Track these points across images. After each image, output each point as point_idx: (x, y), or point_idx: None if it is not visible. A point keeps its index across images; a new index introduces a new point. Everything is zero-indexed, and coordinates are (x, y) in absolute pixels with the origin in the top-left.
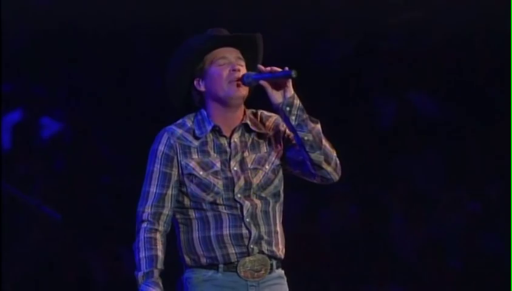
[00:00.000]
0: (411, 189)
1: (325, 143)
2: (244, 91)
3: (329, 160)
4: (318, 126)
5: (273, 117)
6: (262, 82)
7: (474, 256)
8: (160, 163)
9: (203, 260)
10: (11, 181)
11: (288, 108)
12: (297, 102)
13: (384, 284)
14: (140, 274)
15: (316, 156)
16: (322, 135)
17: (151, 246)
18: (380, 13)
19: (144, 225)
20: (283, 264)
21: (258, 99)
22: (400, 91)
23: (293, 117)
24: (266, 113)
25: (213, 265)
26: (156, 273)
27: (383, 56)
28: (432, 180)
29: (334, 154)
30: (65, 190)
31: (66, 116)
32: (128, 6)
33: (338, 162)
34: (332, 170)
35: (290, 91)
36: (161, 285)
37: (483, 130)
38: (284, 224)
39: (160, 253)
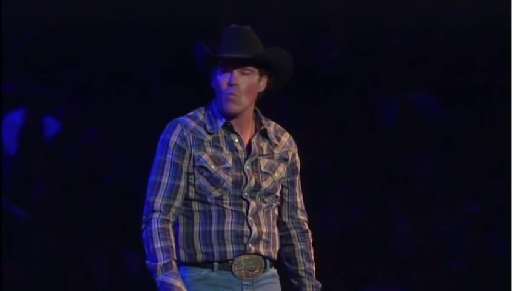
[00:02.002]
0: (413, 189)
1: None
2: (238, 107)
3: None
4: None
5: (287, 135)
6: None
7: (475, 256)
8: (172, 154)
9: (199, 257)
10: (13, 181)
11: None
12: None
13: (386, 284)
14: (159, 265)
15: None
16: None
17: (166, 237)
18: (381, 12)
19: (156, 215)
20: (277, 263)
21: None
22: (401, 90)
23: None
24: (279, 126)
25: (208, 263)
26: (175, 264)
27: (385, 55)
28: (434, 180)
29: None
30: (66, 189)
31: (67, 115)
32: (129, 6)
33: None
34: None
35: None
36: (180, 277)
37: (485, 129)
38: None
39: (174, 245)
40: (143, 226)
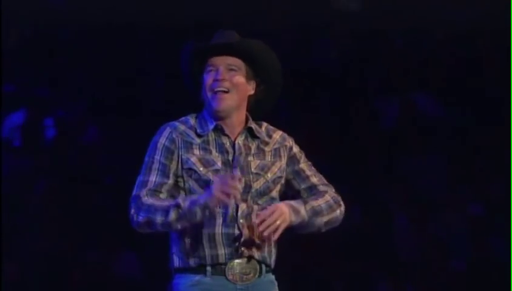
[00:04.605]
0: (414, 190)
1: (328, 217)
2: (229, 101)
3: (336, 222)
4: (321, 219)
5: (279, 132)
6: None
7: (476, 257)
8: (160, 155)
9: (191, 261)
10: (14, 181)
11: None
12: (294, 220)
13: (386, 284)
14: (172, 206)
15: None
16: (326, 216)
17: (162, 198)
18: (382, 13)
19: (143, 194)
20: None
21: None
22: (402, 91)
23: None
24: (271, 126)
25: (200, 267)
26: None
27: (385, 56)
28: (435, 181)
29: (338, 216)
30: (67, 190)
31: (68, 116)
32: (129, 6)
33: (339, 214)
34: (340, 218)
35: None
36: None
37: (486, 130)
38: None
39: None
40: (135, 216)
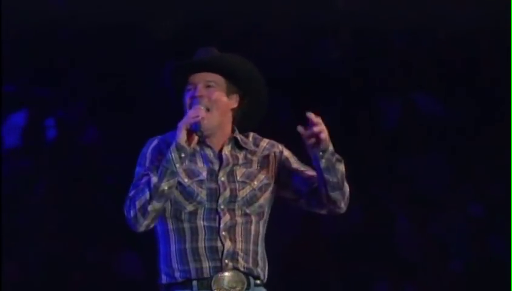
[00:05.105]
0: (415, 190)
1: (345, 182)
2: (209, 121)
3: (345, 199)
4: (343, 167)
5: (267, 140)
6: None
7: (477, 257)
8: (149, 163)
9: (177, 275)
10: (14, 181)
11: (321, 153)
12: (330, 147)
13: (386, 284)
14: (151, 174)
15: (336, 195)
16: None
17: None
18: (383, 13)
19: (129, 193)
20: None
21: None
22: (403, 91)
23: (323, 161)
24: (258, 135)
25: (186, 282)
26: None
27: (387, 56)
28: (436, 181)
29: (348, 189)
30: (68, 190)
31: (70, 116)
32: (129, 6)
33: (348, 195)
34: (345, 205)
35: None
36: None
37: (487, 130)
38: (288, 224)
39: None
40: (129, 214)
